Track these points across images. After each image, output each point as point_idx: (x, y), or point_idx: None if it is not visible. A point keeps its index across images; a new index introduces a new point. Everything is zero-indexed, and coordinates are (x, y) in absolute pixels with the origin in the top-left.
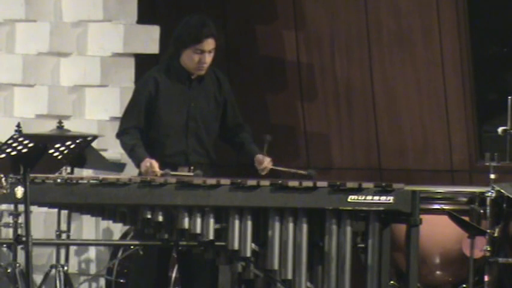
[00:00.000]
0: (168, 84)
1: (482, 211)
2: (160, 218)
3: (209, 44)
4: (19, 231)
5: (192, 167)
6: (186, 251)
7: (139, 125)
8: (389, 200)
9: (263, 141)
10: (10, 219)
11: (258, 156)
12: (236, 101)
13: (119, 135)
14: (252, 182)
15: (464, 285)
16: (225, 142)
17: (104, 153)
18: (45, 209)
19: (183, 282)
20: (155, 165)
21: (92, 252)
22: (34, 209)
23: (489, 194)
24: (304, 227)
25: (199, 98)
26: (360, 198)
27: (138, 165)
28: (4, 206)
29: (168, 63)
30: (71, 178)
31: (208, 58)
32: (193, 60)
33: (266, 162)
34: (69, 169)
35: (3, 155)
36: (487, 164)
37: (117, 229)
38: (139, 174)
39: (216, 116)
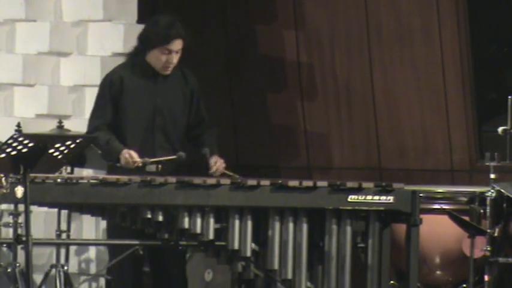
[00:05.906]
0: (133, 80)
1: (482, 211)
2: (160, 218)
3: (177, 44)
4: (19, 231)
5: (159, 165)
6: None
7: (108, 121)
8: (389, 199)
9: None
10: (10, 219)
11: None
12: (203, 99)
13: (90, 134)
14: (252, 182)
15: (464, 285)
16: (189, 140)
17: None
18: (45, 209)
19: (154, 278)
20: (134, 154)
21: (92, 252)
22: (34, 209)
23: (489, 194)
24: (304, 227)
25: (166, 93)
26: (360, 198)
27: (116, 158)
28: (4, 206)
29: (132, 60)
30: (71, 178)
31: (175, 58)
32: (160, 60)
33: (219, 163)
34: (69, 169)
35: (3, 155)
36: (487, 164)
37: None
38: (114, 167)
39: (184, 111)
